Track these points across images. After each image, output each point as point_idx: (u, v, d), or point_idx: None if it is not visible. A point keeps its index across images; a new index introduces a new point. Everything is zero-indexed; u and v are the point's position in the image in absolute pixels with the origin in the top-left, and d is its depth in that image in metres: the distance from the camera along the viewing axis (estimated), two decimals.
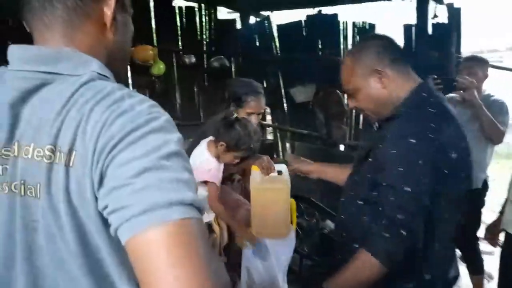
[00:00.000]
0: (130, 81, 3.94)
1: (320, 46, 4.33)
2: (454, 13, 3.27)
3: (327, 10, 4.20)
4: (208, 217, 2.00)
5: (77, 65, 0.61)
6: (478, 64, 2.45)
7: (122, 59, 0.73)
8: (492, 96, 2.44)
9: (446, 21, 3.34)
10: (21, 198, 0.58)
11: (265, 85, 4.98)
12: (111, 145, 0.54)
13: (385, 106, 1.17)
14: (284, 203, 1.74)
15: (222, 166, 1.87)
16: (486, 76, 2.46)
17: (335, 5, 4.18)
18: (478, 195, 2.44)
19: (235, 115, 1.76)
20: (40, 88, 0.60)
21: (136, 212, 0.51)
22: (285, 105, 4.88)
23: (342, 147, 4.44)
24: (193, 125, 3.96)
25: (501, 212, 1.91)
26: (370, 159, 1.16)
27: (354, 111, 4.42)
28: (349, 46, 4.17)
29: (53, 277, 0.59)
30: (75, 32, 0.64)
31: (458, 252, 3.12)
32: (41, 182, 0.57)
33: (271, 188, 1.77)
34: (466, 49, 4.57)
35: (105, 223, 0.56)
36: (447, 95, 2.63)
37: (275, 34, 4.72)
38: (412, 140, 1.03)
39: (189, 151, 1.90)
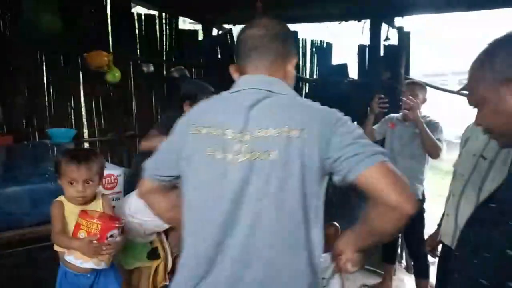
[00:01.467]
0: (81, 88, 3.81)
1: None
2: (404, 37, 3.43)
3: None
4: (151, 236, 1.93)
5: (282, 88, 1.06)
6: (419, 88, 2.71)
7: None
8: (428, 117, 2.69)
9: (396, 43, 3.50)
10: (258, 160, 0.95)
11: None
12: (330, 127, 0.96)
13: None
14: None
15: None
16: (425, 99, 2.69)
17: (295, 23, 4.27)
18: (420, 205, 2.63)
19: None
20: (264, 99, 1.01)
21: (365, 156, 0.92)
22: None
23: None
24: None
25: (439, 225, 1.98)
26: (493, 204, 0.86)
27: None
28: (308, 64, 4.26)
29: (272, 213, 0.94)
30: (274, 69, 1.08)
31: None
32: (275, 149, 0.94)
33: None
34: (417, 71, 4.79)
35: (321, 176, 0.98)
36: (394, 114, 2.79)
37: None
38: None
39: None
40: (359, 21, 3.82)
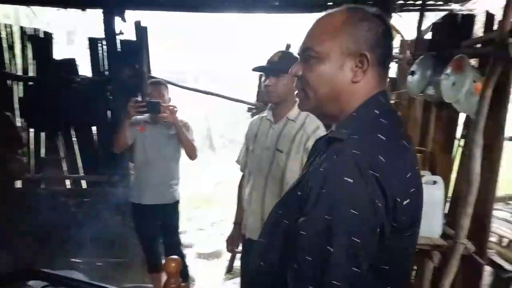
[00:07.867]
0: None
1: None
2: (142, 32, 3.23)
3: None
4: None
5: None
6: (164, 88, 2.66)
7: None
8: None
9: (134, 38, 3.26)
10: None
11: None
12: None
13: (334, 103, 0.86)
14: None
15: None
16: (169, 98, 2.69)
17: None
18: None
19: None
20: None
21: None
22: None
23: (20, 184, 3.51)
24: None
25: (236, 223, 2.06)
26: (298, 192, 0.83)
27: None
28: (18, 53, 3.32)
29: None
30: None
31: None
32: None
33: None
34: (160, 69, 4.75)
35: None
36: (140, 117, 2.58)
37: None
38: (348, 179, 0.74)
39: None
40: (83, 10, 3.30)
